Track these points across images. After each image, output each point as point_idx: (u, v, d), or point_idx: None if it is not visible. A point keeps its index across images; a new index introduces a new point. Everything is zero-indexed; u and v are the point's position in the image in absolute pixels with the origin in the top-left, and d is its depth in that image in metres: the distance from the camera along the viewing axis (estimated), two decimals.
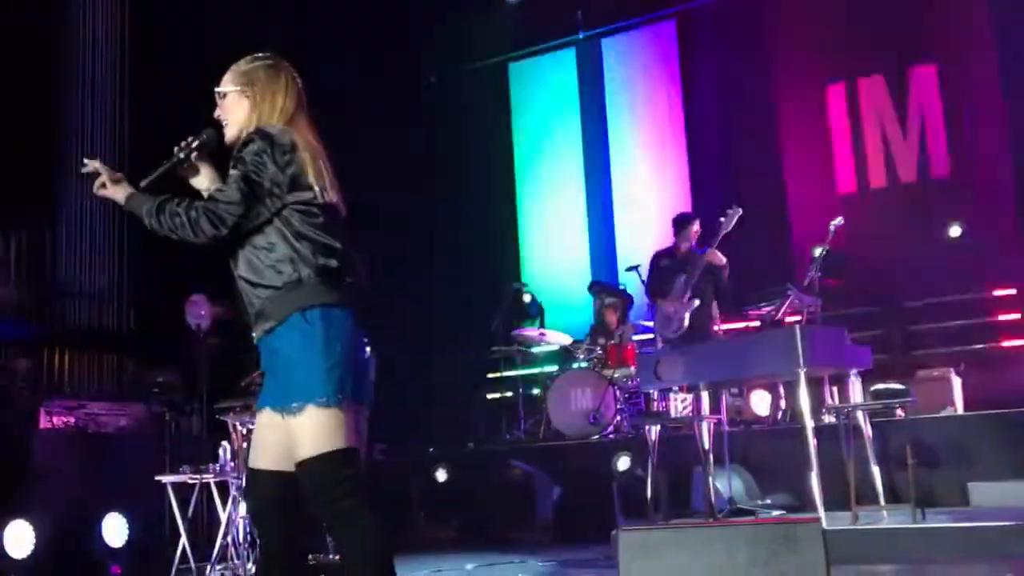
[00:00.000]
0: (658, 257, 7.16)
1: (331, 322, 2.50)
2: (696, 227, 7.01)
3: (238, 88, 2.67)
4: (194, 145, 2.68)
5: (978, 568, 4.16)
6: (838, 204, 8.40)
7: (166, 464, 5.86)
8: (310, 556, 4.67)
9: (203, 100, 2.84)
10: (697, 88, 9.44)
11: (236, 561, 5.25)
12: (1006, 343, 7.77)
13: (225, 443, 5.47)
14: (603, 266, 9.65)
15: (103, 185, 2.62)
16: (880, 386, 5.45)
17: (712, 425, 5.56)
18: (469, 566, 5.44)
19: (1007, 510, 4.84)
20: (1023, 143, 8.00)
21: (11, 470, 5.80)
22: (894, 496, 5.32)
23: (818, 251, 6.25)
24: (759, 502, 5.72)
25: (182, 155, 2.66)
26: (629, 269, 7.89)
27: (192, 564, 5.47)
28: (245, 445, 5.23)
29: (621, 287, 8.46)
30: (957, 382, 6.39)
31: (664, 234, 9.37)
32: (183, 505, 5.51)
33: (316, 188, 2.55)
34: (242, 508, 5.15)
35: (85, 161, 2.66)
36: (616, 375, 7.41)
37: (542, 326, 8.35)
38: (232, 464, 5.31)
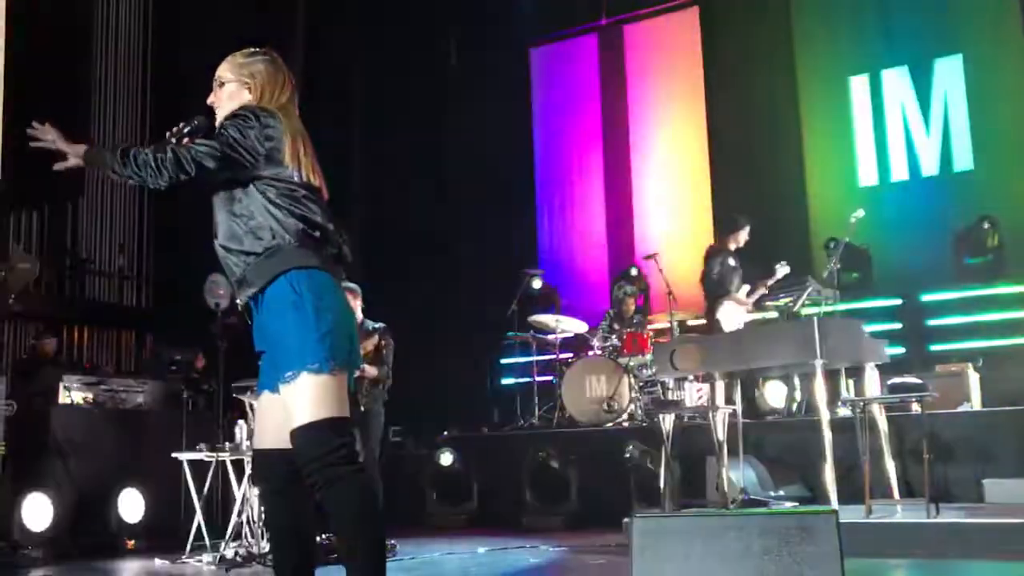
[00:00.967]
0: (720, 253, 7.06)
1: (318, 287, 2.53)
2: (745, 234, 7.05)
3: (238, 79, 2.74)
4: (185, 131, 2.70)
5: (991, 564, 4.14)
6: (860, 196, 8.35)
7: (183, 441, 5.91)
8: (323, 535, 4.71)
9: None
10: (719, 76, 9.37)
11: (250, 539, 5.29)
12: None
13: (241, 421, 5.51)
14: (621, 253, 9.62)
15: (60, 153, 2.61)
16: (897, 380, 5.41)
17: (727, 415, 5.55)
18: (481, 549, 5.47)
19: (1022, 507, 4.81)
20: None
21: (31, 444, 5.87)
22: (908, 491, 5.31)
23: (838, 243, 6.23)
24: (772, 493, 5.72)
25: (173, 140, 2.67)
26: (647, 257, 7.88)
27: (207, 541, 5.52)
28: None
29: (641, 275, 8.47)
30: (975, 378, 6.35)
31: (682, 220, 9.40)
32: (199, 482, 5.56)
33: (291, 167, 2.60)
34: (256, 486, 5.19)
35: (34, 125, 2.62)
36: (631, 363, 7.41)
37: (557, 313, 8.36)
38: (248, 443, 5.35)
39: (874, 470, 4.93)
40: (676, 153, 9.69)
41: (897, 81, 8.68)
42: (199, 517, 5.53)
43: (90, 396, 6.42)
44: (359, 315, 5.50)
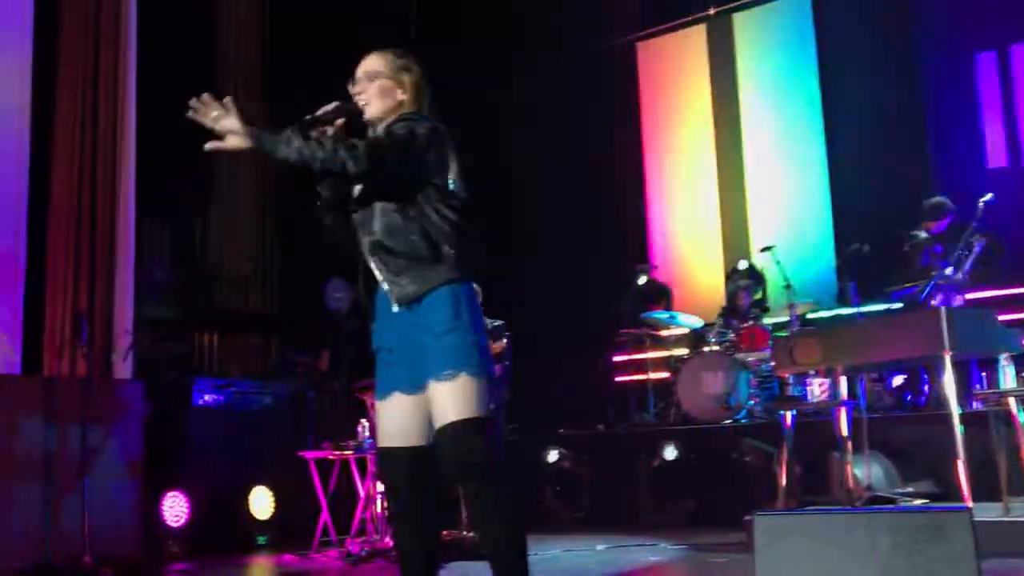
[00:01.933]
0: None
1: (471, 297, 2.65)
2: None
3: (393, 77, 2.75)
4: (331, 115, 2.70)
5: None
6: (988, 179, 7.96)
7: (308, 441, 6.12)
8: (444, 532, 4.80)
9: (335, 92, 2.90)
10: (834, 62, 9.07)
11: (375, 535, 5.44)
12: None
13: (363, 420, 5.66)
14: (736, 247, 9.44)
15: (217, 120, 2.47)
16: None
17: (850, 410, 5.38)
18: (600, 547, 5.46)
19: None
20: None
21: (168, 445, 6.18)
22: None
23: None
24: (899, 490, 5.52)
25: (311, 122, 2.64)
26: (763, 250, 7.72)
27: (333, 537, 5.70)
28: None
29: (754, 269, 8.29)
30: None
31: (799, 212, 9.14)
32: (324, 480, 5.74)
33: (453, 178, 2.68)
34: (380, 484, 5.33)
35: (199, 100, 2.50)
36: (749, 358, 7.27)
37: (669, 308, 8.27)
38: (371, 441, 5.49)
39: (1011, 467, 4.70)
40: (790, 142, 9.43)
41: None
42: (325, 514, 5.71)
43: (220, 398, 6.71)
44: None
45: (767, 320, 7.80)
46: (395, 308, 2.65)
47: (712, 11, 9.81)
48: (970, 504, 4.36)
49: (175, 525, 5.86)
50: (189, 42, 8.06)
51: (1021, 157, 8.24)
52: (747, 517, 4.03)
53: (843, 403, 5.36)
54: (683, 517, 6.48)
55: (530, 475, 7.23)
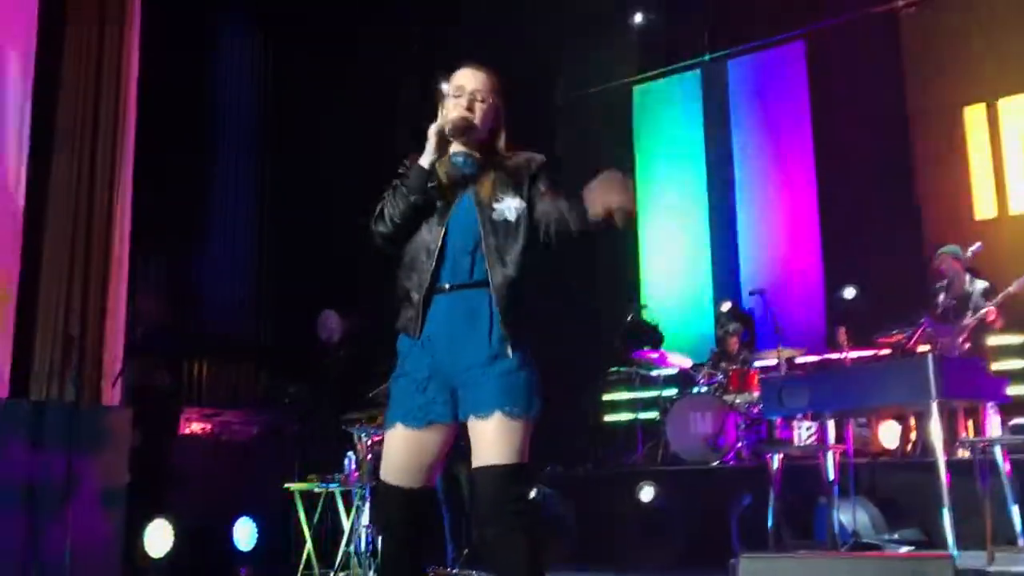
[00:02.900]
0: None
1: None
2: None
3: (495, 97, 2.72)
4: (463, 168, 2.70)
5: None
6: (976, 230, 8.05)
7: (294, 472, 6.09)
8: (429, 570, 4.78)
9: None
10: (826, 110, 9.19)
11: (359, 569, 5.40)
12: None
13: (351, 453, 5.65)
14: (726, 290, 9.49)
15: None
16: (1021, 420, 5.17)
17: (837, 455, 5.40)
18: None
19: None
20: None
21: (154, 474, 6.14)
22: None
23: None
24: (885, 537, 5.52)
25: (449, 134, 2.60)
26: (752, 293, 7.77)
27: (316, 570, 5.66)
28: (369, 456, 5.39)
29: (747, 310, 8.33)
30: None
31: (790, 257, 9.21)
32: (309, 512, 5.71)
33: None
34: (365, 517, 5.31)
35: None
36: (738, 400, 7.29)
37: (657, 348, 8.28)
38: (357, 474, 5.47)
39: (996, 516, 4.71)
40: (782, 187, 9.53)
41: (1014, 110, 8.37)
42: (309, 546, 5.68)
43: (207, 427, 6.69)
44: None
45: (757, 363, 7.82)
46: (490, 349, 2.61)
47: (707, 57, 9.95)
48: (955, 552, 4.37)
49: (158, 555, 5.81)
50: (187, 86, 8.14)
51: (1008, 208, 8.34)
52: (732, 560, 4.02)
53: (830, 448, 5.39)
54: (671, 557, 6.44)
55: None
